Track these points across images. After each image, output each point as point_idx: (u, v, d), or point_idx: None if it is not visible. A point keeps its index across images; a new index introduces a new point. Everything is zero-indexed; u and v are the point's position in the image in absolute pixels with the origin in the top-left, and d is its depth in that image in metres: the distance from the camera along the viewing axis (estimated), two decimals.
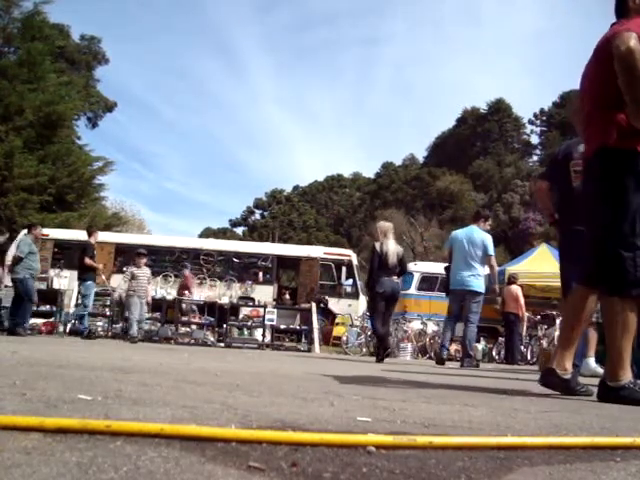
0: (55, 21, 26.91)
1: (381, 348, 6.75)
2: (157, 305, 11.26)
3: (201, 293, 13.30)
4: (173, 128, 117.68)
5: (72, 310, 11.20)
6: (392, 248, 6.73)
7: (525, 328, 11.53)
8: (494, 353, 11.85)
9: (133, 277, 9.63)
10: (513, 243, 40.83)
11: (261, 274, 14.27)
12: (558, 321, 9.64)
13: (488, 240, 6.96)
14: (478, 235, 6.94)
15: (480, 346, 11.38)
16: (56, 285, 12.30)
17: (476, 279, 6.85)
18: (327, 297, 13.65)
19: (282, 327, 11.84)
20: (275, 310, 11.58)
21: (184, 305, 11.64)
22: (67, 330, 9.38)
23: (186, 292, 12.31)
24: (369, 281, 6.95)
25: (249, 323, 11.63)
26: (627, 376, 2.37)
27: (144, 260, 10.01)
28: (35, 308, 9.95)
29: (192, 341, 10.90)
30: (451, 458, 0.98)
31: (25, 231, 9.75)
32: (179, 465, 0.82)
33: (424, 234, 37.83)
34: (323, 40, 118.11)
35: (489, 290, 7.57)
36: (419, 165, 62.39)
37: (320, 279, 14.47)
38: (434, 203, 50.07)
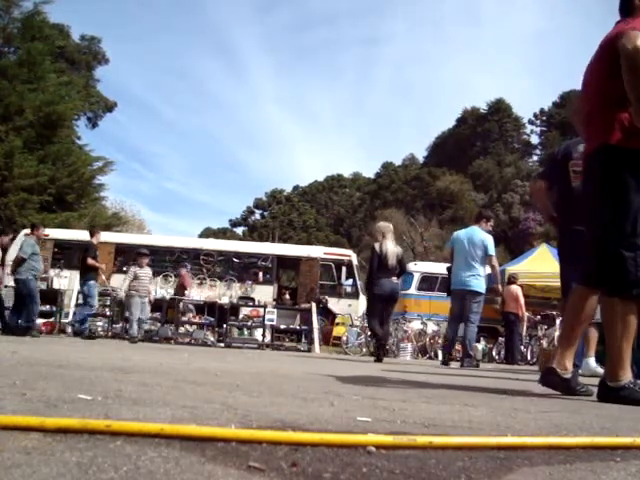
0: (55, 21, 26.96)
1: (379, 347, 6.77)
2: (157, 305, 11.26)
3: (201, 293, 13.30)
4: (173, 128, 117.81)
5: (72, 310, 11.22)
6: (391, 249, 6.74)
7: (525, 328, 11.53)
8: (494, 353, 11.85)
9: (135, 277, 9.65)
10: (513, 243, 40.84)
11: (261, 274, 14.27)
12: (558, 321, 9.65)
13: (488, 240, 6.96)
14: (478, 235, 6.95)
15: (480, 346, 11.38)
16: (56, 285, 12.30)
17: (476, 279, 6.85)
18: (327, 297, 13.66)
19: (282, 327, 11.84)
20: (275, 310, 11.58)
21: (181, 305, 11.63)
22: (74, 331, 9.32)
23: (186, 292, 12.32)
24: (368, 282, 6.97)
25: (249, 323, 11.63)
26: (627, 376, 2.37)
27: (146, 260, 10.02)
28: None
29: (192, 341, 10.91)
30: (451, 458, 0.98)
31: (26, 231, 9.74)
32: (179, 465, 0.82)
33: (424, 234, 37.84)
34: (323, 40, 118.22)
35: (490, 290, 7.58)
36: (419, 165, 62.39)
37: (320, 279, 14.47)
38: (434, 203, 50.07)
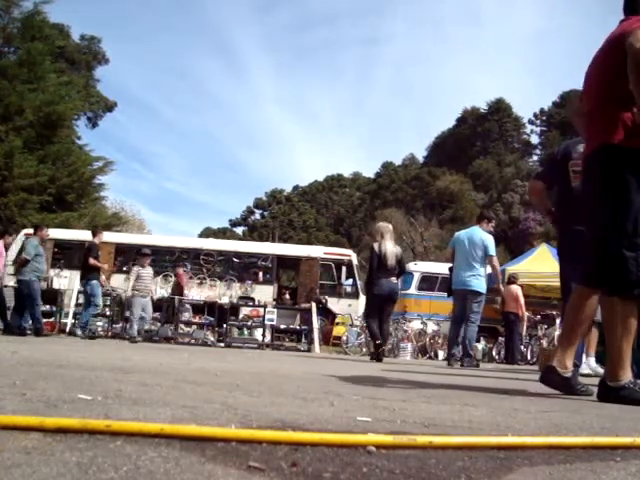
0: (55, 21, 26.97)
1: (377, 348, 6.79)
2: (157, 305, 11.26)
3: (201, 293, 13.31)
4: (173, 128, 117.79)
5: (72, 310, 11.22)
6: (390, 249, 6.74)
7: (525, 328, 11.53)
8: (494, 353, 11.86)
9: (138, 277, 9.67)
10: (513, 243, 40.84)
11: (261, 274, 14.28)
12: (558, 321, 9.65)
13: (489, 240, 6.97)
14: (479, 235, 6.96)
15: (480, 346, 11.39)
16: (56, 285, 12.30)
17: (477, 279, 6.86)
18: (327, 297, 13.66)
19: (282, 327, 11.85)
20: (275, 310, 11.58)
21: (176, 301, 11.62)
22: (84, 333, 9.30)
23: (185, 292, 12.32)
24: (368, 282, 6.97)
25: (249, 323, 11.63)
26: (627, 376, 2.37)
27: (148, 260, 10.04)
28: None
29: (192, 341, 10.91)
30: (451, 458, 0.98)
31: (25, 231, 9.73)
32: (179, 465, 0.82)
33: (424, 234, 37.83)
34: (323, 40, 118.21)
35: (491, 290, 7.59)
36: (419, 165, 62.39)
37: (320, 279, 14.47)
38: (434, 203, 50.08)
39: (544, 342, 10.73)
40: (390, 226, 7.26)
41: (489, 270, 7.20)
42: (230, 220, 68.01)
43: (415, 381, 3.45)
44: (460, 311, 7.00)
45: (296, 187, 69.82)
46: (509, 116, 58.36)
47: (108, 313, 11.48)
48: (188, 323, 11.79)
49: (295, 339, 12.28)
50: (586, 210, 2.68)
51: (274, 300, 13.82)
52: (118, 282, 12.91)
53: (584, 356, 4.81)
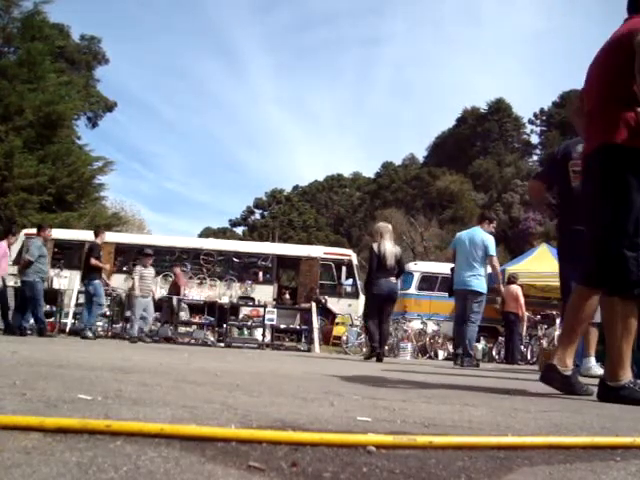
0: (55, 21, 26.96)
1: (373, 350, 6.79)
2: (157, 305, 11.26)
3: (201, 293, 13.30)
4: (173, 128, 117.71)
5: (72, 309, 11.23)
6: (389, 249, 6.75)
7: (525, 328, 11.54)
8: (494, 353, 11.86)
9: (141, 277, 9.67)
10: (513, 243, 40.84)
11: (261, 274, 14.28)
12: (558, 321, 9.66)
13: (489, 241, 6.98)
14: (479, 236, 6.97)
15: (480, 346, 11.39)
16: (56, 285, 12.30)
17: (477, 279, 6.87)
18: (327, 297, 13.66)
19: (282, 327, 11.85)
20: (275, 310, 11.58)
21: (174, 300, 11.62)
22: (93, 333, 9.30)
23: (185, 292, 12.31)
24: (367, 282, 6.99)
25: (249, 323, 11.64)
26: (627, 376, 2.37)
27: (150, 260, 10.04)
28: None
29: (192, 341, 10.91)
30: (451, 458, 0.98)
31: (25, 231, 9.73)
32: (179, 465, 0.82)
33: (424, 234, 37.83)
34: (323, 40, 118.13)
35: (491, 290, 7.59)
36: (419, 165, 62.39)
37: (320, 279, 14.47)
38: (434, 203, 50.08)
39: (544, 342, 10.75)
40: (389, 226, 7.27)
41: (489, 270, 7.21)
42: (230, 220, 68.08)
43: (415, 381, 3.45)
44: (461, 311, 7.01)
45: (296, 187, 69.83)
46: (509, 116, 58.36)
47: (108, 313, 11.48)
48: (188, 323, 11.78)
49: (295, 339, 12.28)
50: (586, 210, 2.68)
51: (274, 300, 13.82)
52: (118, 282, 12.91)
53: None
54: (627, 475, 0.96)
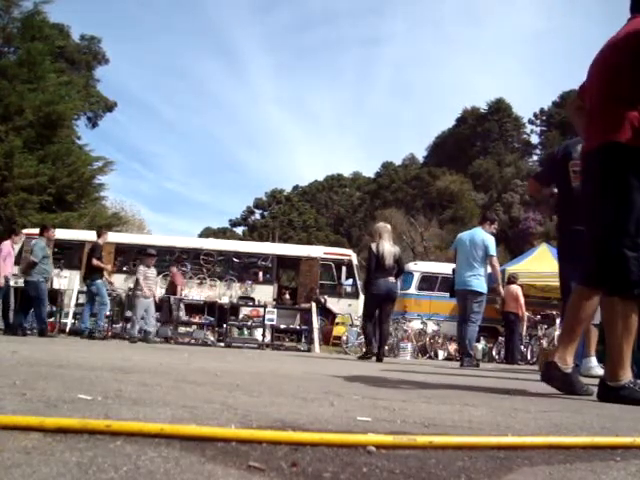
0: (55, 21, 26.97)
1: (374, 348, 6.80)
2: (157, 305, 11.25)
3: (201, 293, 13.30)
4: (173, 128, 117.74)
5: (72, 309, 11.22)
6: (388, 249, 6.76)
7: (525, 328, 11.54)
8: (494, 353, 11.86)
9: (145, 277, 9.67)
10: (513, 243, 40.83)
11: (261, 274, 14.28)
12: (558, 321, 9.66)
13: (489, 241, 6.98)
14: (480, 236, 6.98)
15: (480, 346, 11.39)
16: (56, 285, 12.29)
17: (477, 279, 6.87)
18: (327, 297, 13.66)
19: (282, 327, 11.85)
20: (275, 310, 11.58)
21: (172, 303, 11.61)
22: (102, 332, 9.29)
23: (184, 292, 12.31)
24: (366, 282, 7.00)
25: (249, 323, 11.63)
26: (627, 376, 2.37)
27: (153, 260, 10.04)
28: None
29: (192, 341, 10.91)
30: (451, 458, 0.98)
31: (26, 231, 9.73)
32: (179, 465, 0.82)
33: (424, 234, 37.84)
34: (323, 40, 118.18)
35: (491, 290, 7.59)
36: (419, 165, 62.39)
37: (320, 279, 14.48)
38: (434, 203, 50.09)
39: (544, 342, 10.75)
40: (388, 226, 7.28)
41: (490, 270, 7.21)
42: (230, 220, 68.09)
43: (415, 381, 3.45)
44: (463, 311, 7.02)
45: (296, 187, 69.82)
46: (509, 116, 58.37)
47: (108, 313, 11.47)
48: (188, 323, 11.78)
49: (295, 339, 12.28)
50: (586, 209, 2.67)
51: (274, 300, 13.82)
52: (118, 282, 12.91)
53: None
54: (627, 475, 0.96)
